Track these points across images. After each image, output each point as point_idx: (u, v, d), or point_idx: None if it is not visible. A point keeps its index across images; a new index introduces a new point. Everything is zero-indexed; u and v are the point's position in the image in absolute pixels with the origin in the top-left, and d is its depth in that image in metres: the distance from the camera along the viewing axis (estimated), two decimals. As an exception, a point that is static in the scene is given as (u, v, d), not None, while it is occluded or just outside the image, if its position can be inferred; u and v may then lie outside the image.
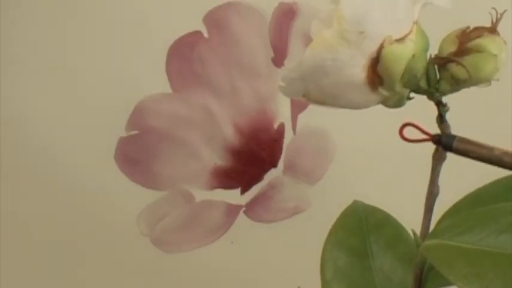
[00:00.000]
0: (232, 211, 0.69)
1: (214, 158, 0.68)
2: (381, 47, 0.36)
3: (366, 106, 0.39)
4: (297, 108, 0.66)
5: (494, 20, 0.38)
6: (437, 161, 0.40)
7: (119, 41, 0.69)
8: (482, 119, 0.67)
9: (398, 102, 0.38)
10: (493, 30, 0.38)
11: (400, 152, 0.66)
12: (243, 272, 0.72)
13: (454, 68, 0.38)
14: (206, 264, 0.71)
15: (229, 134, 0.68)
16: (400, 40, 0.36)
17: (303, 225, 0.70)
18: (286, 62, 0.66)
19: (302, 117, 0.68)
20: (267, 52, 0.66)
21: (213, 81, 0.67)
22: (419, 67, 0.37)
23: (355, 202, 0.50)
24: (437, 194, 0.41)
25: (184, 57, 0.67)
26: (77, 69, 0.69)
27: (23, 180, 0.70)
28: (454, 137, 0.38)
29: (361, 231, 0.48)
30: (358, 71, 0.36)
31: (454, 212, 0.42)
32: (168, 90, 0.68)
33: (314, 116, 0.67)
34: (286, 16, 0.65)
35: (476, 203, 0.42)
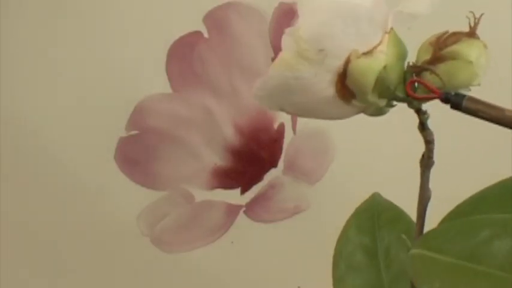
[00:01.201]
0: (232, 211, 0.69)
1: (214, 158, 0.68)
2: (347, 62, 0.35)
3: (346, 117, 0.38)
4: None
5: (472, 24, 0.37)
6: (425, 167, 0.40)
7: (119, 41, 0.69)
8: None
9: (378, 111, 0.37)
10: (471, 34, 0.37)
11: (400, 152, 0.66)
12: (243, 272, 0.72)
13: (428, 76, 0.37)
14: (206, 264, 0.71)
15: (229, 134, 0.68)
16: (368, 53, 0.36)
17: (303, 225, 0.70)
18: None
19: (302, 118, 0.68)
20: (267, 52, 0.66)
21: (213, 81, 0.67)
22: (393, 77, 0.36)
23: (374, 195, 0.49)
24: (428, 199, 0.41)
25: (184, 57, 0.67)
26: (77, 69, 0.69)
27: (23, 180, 0.70)
28: (463, 95, 0.36)
29: (373, 227, 0.48)
30: (326, 86, 0.36)
31: (454, 215, 0.42)
32: (168, 90, 0.68)
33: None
34: (286, 16, 0.65)
35: (478, 205, 0.41)
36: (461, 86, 0.37)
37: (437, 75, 0.36)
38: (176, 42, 0.67)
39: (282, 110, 0.38)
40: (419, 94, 0.36)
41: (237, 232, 0.70)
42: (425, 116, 0.38)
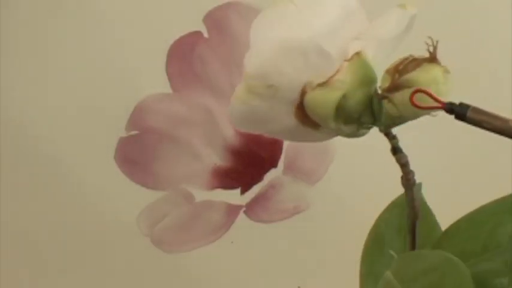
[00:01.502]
0: (232, 211, 0.69)
1: (214, 158, 0.68)
2: (303, 94, 0.35)
3: (325, 139, 0.37)
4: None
5: (431, 49, 0.35)
6: (405, 187, 0.39)
7: (119, 41, 0.69)
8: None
9: (354, 134, 0.37)
10: (431, 59, 0.36)
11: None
12: (243, 272, 0.72)
13: (387, 104, 0.36)
14: (206, 264, 0.71)
15: (229, 134, 0.68)
16: (324, 84, 0.35)
17: (303, 225, 0.70)
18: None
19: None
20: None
21: (213, 81, 0.67)
22: (354, 105, 0.35)
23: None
24: (416, 218, 0.40)
25: (184, 57, 0.67)
26: (77, 69, 0.69)
27: (23, 180, 0.70)
28: (468, 106, 0.35)
29: (402, 226, 0.47)
30: (285, 117, 0.35)
31: (453, 231, 0.42)
32: (168, 90, 0.67)
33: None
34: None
35: (474, 222, 0.41)
36: (418, 115, 0.36)
37: (394, 104, 0.35)
38: (176, 42, 0.67)
39: (261, 133, 0.37)
40: (424, 105, 0.35)
41: (237, 232, 0.70)
42: (395, 140, 0.37)
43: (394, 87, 0.36)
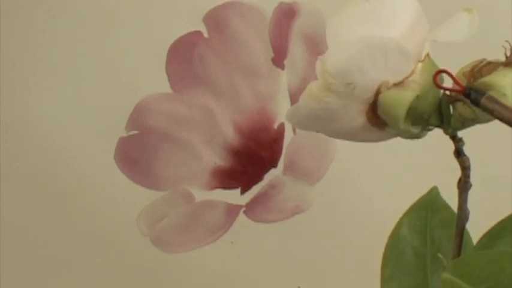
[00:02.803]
0: (232, 211, 0.69)
1: (214, 158, 0.68)
2: (378, 93, 0.35)
3: (382, 140, 0.38)
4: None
5: (507, 53, 0.36)
6: (462, 190, 0.39)
7: (118, 40, 0.69)
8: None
9: (415, 136, 0.37)
10: (507, 63, 0.36)
11: (401, 152, 0.66)
12: (243, 272, 0.71)
13: (461, 107, 0.37)
14: (206, 264, 0.71)
15: (229, 134, 0.68)
16: (400, 84, 0.35)
17: (303, 225, 0.70)
18: (285, 62, 0.66)
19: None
20: (267, 52, 0.66)
21: (213, 81, 0.67)
22: (426, 106, 0.36)
23: (431, 191, 0.49)
24: (466, 220, 0.40)
25: (184, 57, 0.67)
26: (77, 69, 0.69)
27: (23, 180, 0.70)
28: (483, 94, 0.35)
29: (425, 228, 0.47)
30: (356, 116, 0.36)
31: (495, 233, 0.41)
32: (168, 90, 0.67)
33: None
34: (286, 16, 0.65)
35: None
36: (492, 118, 0.36)
37: (470, 106, 0.36)
38: (176, 41, 0.67)
39: (317, 132, 0.38)
40: (445, 85, 0.36)
41: (237, 232, 0.70)
42: (460, 143, 0.37)
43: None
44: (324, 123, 0.36)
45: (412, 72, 0.35)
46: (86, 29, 0.69)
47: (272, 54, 0.66)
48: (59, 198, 0.70)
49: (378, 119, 0.36)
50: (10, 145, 0.70)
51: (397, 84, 0.35)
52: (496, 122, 0.36)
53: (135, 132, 0.68)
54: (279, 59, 0.66)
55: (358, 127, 0.36)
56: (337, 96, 0.35)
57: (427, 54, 0.36)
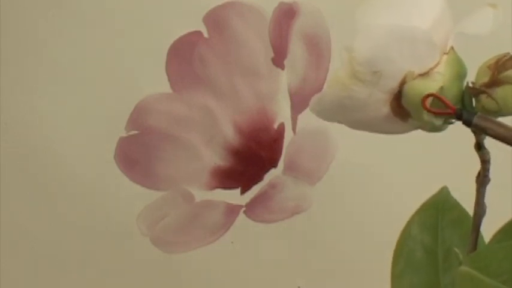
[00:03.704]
0: (232, 211, 0.69)
1: (214, 158, 0.68)
2: (403, 83, 0.36)
3: (404, 132, 0.38)
4: (297, 108, 0.66)
5: None
6: (480, 184, 0.40)
7: (118, 41, 0.69)
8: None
9: (436, 129, 0.38)
10: None
11: (401, 152, 0.66)
12: (243, 272, 0.72)
13: (484, 99, 0.37)
14: (206, 264, 0.71)
15: (229, 134, 0.68)
16: (425, 74, 0.36)
17: (303, 225, 0.70)
18: (285, 62, 0.66)
19: (302, 117, 0.68)
20: (267, 52, 0.66)
21: (213, 81, 0.67)
22: (449, 98, 0.36)
23: (441, 190, 0.49)
24: (483, 215, 0.41)
25: (184, 57, 0.67)
26: (77, 70, 0.69)
27: (23, 180, 0.70)
28: (475, 113, 0.36)
29: (436, 227, 0.47)
30: (381, 106, 0.36)
31: (509, 229, 0.41)
32: (168, 90, 0.67)
33: (314, 116, 0.67)
34: (286, 16, 0.65)
35: None
36: None
37: (494, 99, 0.36)
38: (176, 41, 0.67)
39: (339, 122, 0.38)
40: (435, 109, 0.37)
41: (237, 232, 0.70)
42: (482, 136, 0.38)
43: (494, 83, 0.36)
44: (348, 113, 0.37)
45: (437, 64, 0.36)
46: (85, 29, 0.69)
47: (272, 54, 0.66)
48: (59, 198, 0.70)
49: (401, 110, 0.36)
50: (10, 145, 0.70)
51: (422, 75, 0.36)
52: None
53: (135, 132, 0.68)
54: (279, 59, 0.66)
55: (382, 118, 0.37)
56: (364, 85, 0.35)
57: (452, 47, 0.36)
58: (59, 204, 0.71)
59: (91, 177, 0.70)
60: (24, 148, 0.69)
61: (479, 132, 0.36)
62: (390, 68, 0.35)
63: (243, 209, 0.69)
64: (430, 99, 0.36)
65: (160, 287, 0.72)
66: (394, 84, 0.35)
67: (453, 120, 0.38)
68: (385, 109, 0.36)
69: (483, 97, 0.37)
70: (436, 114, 0.37)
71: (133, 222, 0.72)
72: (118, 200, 0.69)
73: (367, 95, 0.35)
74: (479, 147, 0.39)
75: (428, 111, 0.36)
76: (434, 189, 0.50)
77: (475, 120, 0.36)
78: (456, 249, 0.42)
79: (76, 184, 0.70)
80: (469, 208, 0.49)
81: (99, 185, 0.70)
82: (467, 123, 0.36)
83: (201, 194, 0.71)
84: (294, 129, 0.68)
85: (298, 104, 0.67)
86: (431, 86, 0.36)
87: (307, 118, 0.72)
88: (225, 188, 0.69)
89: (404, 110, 0.36)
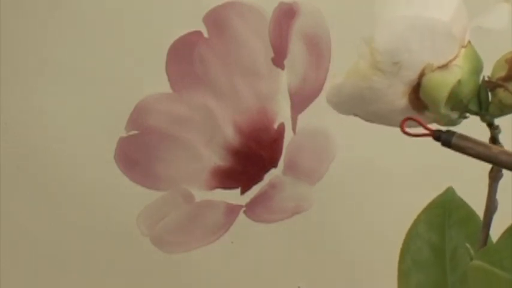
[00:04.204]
0: (232, 211, 0.69)
1: (214, 158, 0.68)
2: (422, 75, 0.36)
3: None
4: (297, 108, 0.66)
5: None
6: (493, 179, 0.40)
7: (118, 41, 0.69)
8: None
9: (451, 122, 0.38)
10: None
11: (402, 151, 0.66)
12: (243, 272, 0.71)
13: (501, 93, 0.37)
14: (206, 264, 0.71)
15: (229, 134, 0.68)
16: (443, 67, 0.36)
17: (303, 225, 0.70)
18: (285, 62, 0.66)
19: (302, 117, 0.68)
20: (267, 52, 0.66)
21: (213, 81, 0.67)
22: (467, 92, 0.37)
23: (447, 190, 0.49)
24: (494, 210, 0.41)
25: (184, 57, 0.67)
26: (77, 69, 0.69)
27: (23, 180, 0.70)
28: (453, 133, 0.37)
29: (443, 225, 0.48)
30: (399, 97, 0.36)
31: None
32: (168, 90, 0.67)
33: (314, 115, 0.67)
34: (286, 16, 0.65)
35: None
36: None
37: (511, 92, 0.36)
38: (176, 41, 0.67)
39: (354, 115, 0.38)
40: (413, 132, 0.37)
41: (237, 232, 0.70)
42: (497, 131, 0.38)
43: (511, 77, 0.37)
44: (365, 105, 0.37)
45: (456, 57, 0.36)
46: (86, 29, 0.69)
47: (272, 54, 0.66)
48: (59, 198, 0.70)
49: (419, 102, 0.37)
50: (10, 145, 0.70)
51: (441, 67, 0.36)
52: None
53: (135, 132, 0.68)
54: (279, 59, 0.66)
55: (399, 110, 0.37)
56: (384, 75, 0.35)
57: (469, 41, 0.36)
58: (59, 204, 0.71)
59: (91, 177, 0.70)
60: (24, 148, 0.69)
61: (461, 151, 0.37)
62: (410, 60, 0.35)
63: (243, 209, 0.69)
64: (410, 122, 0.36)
65: (160, 287, 0.72)
66: (413, 75, 0.36)
67: (468, 115, 0.38)
68: (403, 101, 0.37)
69: (500, 91, 0.37)
70: (414, 137, 0.37)
71: (133, 222, 0.72)
72: (118, 200, 0.69)
73: (387, 86, 0.36)
74: (494, 142, 0.39)
75: (406, 134, 0.37)
76: (430, 191, 0.50)
77: (454, 140, 0.37)
78: (468, 245, 0.42)
79: (76, 184, 0.70)
80: (474, 207, 0.49)
81: (99, 185, 0.70)
82: (446, 143, 0.37)
83: (201, 194, 0.71)
84: (294, 129, 0.68)
85: (298, 104, 0.67)
86: (450, 78, 0.36)
87: (307, 118, 0.72)
88: (225, 188, 0.69)
89: (422, 102, 0.37)
